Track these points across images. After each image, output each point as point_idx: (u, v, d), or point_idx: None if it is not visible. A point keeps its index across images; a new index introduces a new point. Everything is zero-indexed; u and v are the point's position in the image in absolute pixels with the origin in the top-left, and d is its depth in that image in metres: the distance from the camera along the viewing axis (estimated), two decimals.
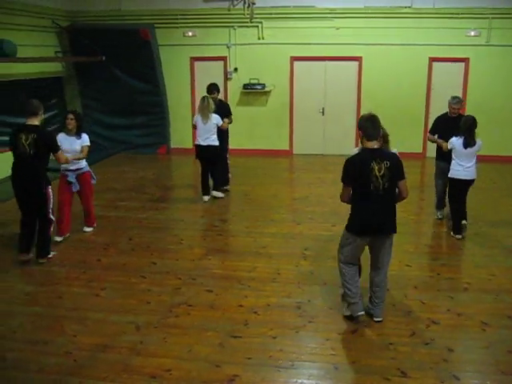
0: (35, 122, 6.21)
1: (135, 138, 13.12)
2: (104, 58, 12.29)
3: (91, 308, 5.22)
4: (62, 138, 6.86)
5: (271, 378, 4.10)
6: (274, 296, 5.46)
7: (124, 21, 12.49)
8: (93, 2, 12.58)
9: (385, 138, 5.03)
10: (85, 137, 7.04)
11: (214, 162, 8.91)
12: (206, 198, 8.95)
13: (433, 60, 12.09)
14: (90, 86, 13.08)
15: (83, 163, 7.13)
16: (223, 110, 9.03)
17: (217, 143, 8.74)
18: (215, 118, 8.63)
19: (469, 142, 6.83)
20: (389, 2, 11.80)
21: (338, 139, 12.63)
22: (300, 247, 6.84)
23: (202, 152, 8.80)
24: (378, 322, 4.90)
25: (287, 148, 13.07)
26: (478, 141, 6.90)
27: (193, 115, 12.90)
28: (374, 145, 4.62)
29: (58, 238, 6.99)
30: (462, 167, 6.94)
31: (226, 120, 9.02)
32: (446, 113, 7.69)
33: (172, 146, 13.32)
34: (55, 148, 6.29)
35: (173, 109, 13.10)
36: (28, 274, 6.09)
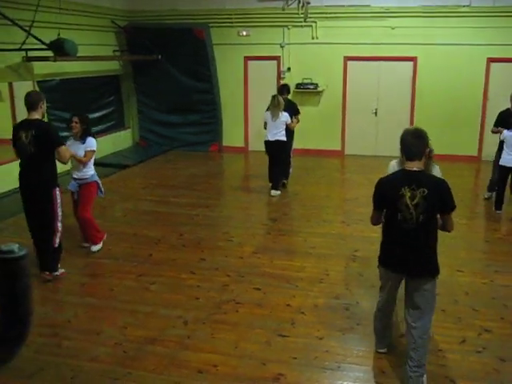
0: (35, 115, 5.49)
1: (188, 136, 13.30)
2: (160, 57, 12.56)
3: (141, 301, 5.34)
4: (68, 143, 6.23)
5: (316, 378, 4.10)
6: (321, 297, 5.44)
7: (180, 20, 12.68)
8: (150, 2, 12.82)
9: (429, 154, 4.12)
10: (90, 141, 6.31)
11: (280, 157, 9.27)
12: (275, 192, 9.27)
13: (491, 61, 11.72)
14: (145, 84, 13.36)
15: (89, 173, 6.39)
16: (291, 110, 9.39)
17: (284, 138, 9.12)
18: (284, 116, 9.03)
19: None
20: (446, 0, 11.52)
21: (391, 140, 12.29)
22: (349, 248, 6.79)
23: (269, 147, 9.19)
24: None
25: (339, 148, 12.96)
26: None
27: (245, 114, 13.10)
28: (414, 166, 3.76)
29: (87, 244, 6.69)
30: (511, 156, 7.81)
31: (295, 120, 9.50)
32: (508, 108, 8.32)
33: (224, 144, 13.44)
34: (58, 141, 5.50)
35: (225, 107, 13.21)
36: (83, 265, 6.29)
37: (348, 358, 4.36)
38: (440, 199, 3.73)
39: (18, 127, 5.55)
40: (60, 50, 9.04)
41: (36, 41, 8.77)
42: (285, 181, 9.74)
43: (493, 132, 8.67)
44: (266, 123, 9.19)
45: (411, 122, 12.05)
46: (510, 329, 4.82)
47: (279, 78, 12.79)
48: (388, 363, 4.27)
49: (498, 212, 8.11)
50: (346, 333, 4.75)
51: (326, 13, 12.07)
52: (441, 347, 4.49)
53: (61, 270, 5.84)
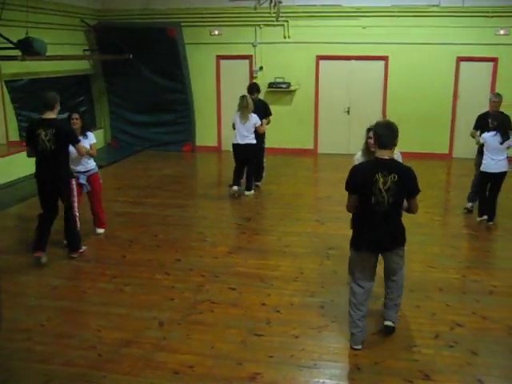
0: (51, 115, 6.03)
1: (161, 136, 13.21)
2: (131, 56, 12.44)
3: (115, 303, 5.29)
4: None
5: (293, 376, 4.11)
6: (296, 295, 5.46)
7: (151, 19, 12.59)
8: (120, 1, 12.70)
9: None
10: (91, 135, 6.86)
11: (250, 161, 8.95)
12: (236, 188, 8.96)
13: (460, 60, 11.91)
14: (116, 84, 13.22)
15: (92, 164, 6.96)
16: (262, 110, 9.06)
17: (255, 141, 8.79)
18: (254, 118, 8.69)
19: (505, 138, 7.18)
20: (416, 0, 11.68)
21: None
22: (324, 247, 6.82)
23: (239, 151, 8.82)
24: (389, 327, 4.61)
25: (312, 147, 13.03)
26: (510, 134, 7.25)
27: (218, 113, 13.06)
28: (385, 155, 4.19)
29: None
30: (494, 161, 7.26)
31: (265, 121, 9.08)
32: (488, 111, 7.95)
33: (197, 143, 13.38)
34: (75, 140, 6.17)
35: (198, 107, 13.16)
36: (55, 268, 6.18)
37: (324, 356, 4.37)
38: (408, 184, 4.20)
39: (36, 125, 6.03)
40: (28, 49, 8.88)
41: (3, 39, 8.60)
42: (258, 183, 9.58)
43: (472, 136, 8.12)
44: (234, 125, 8.86)
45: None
46: (482, 323, 4.91)
47: (252, 77, 12.80)
48: (363, 360, 4.31)
49: (481, 219, 7.57)
50: (321, 330, 4.78)
51: (298, 12, 12.13)
52: (415, 343, 4.54)
53: (84, 247, 6.58)
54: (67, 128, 6.23)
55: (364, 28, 11.99)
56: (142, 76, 12.73)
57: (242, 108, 8.65)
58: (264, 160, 9.70)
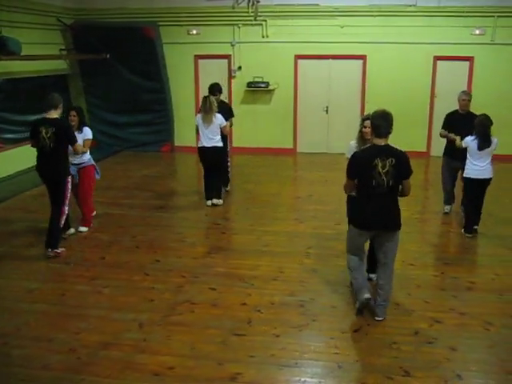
0: (54, 115, 6.39)
1: (139, 136, 13.12)
2: (108, 56, 12.31)
3: (94, 305, 5.23)
4: None
5: (274, 376, 4.10)
6: (277, 294, 5.45)
7: (128, 19, 12.49)
8: (97, 0, 12.57)
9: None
10: (86, 130, 7.08)
11: (218, 165, 8.59)
12: (210, 202, 8.56)
13: (437, 59, 12.05)
14: (94, 84, 13.09)
15: (86, 157, 7.15)
16: (224, 112, 8.56)
17: (221, 144, 8.40)
18: (219, 119, 8.23)
19: (483, 144, 6.80)
20: (394, 0, 11.77)
21: (342, 138, 12.54)
22: (303, 245, 6.83)
23: (206, 155, 8.38)
24: (379, 320, 4.90)
25: (291, 146, 13.05)
26: (494, 139, 6.85)
27: (196, 113, 12.97)
28: (382, 142, 4.63)
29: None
30: (477, 167, 6.89)
31: (228, 123, 8.68)
32: (457, 110, 7.75)
33: (176, 143, 13.32)
34: (73, 140, 6.47)
35: (177, 107, 13.10)
36: (32, 271, 6.09)
37: (305, 354, 4.38)
38: (403, 166, 4.62)
39: (39, 123, 6.40)
40: (3, 48, 8.76)
41: None
42: (227, 189, 9.30)
43: (441, 136, 7.94)
44: (197, 128, 8.38)
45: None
46: (460, 319, 4.96)
47: (230, 76, 12.78)
48: (344, 358, 4.32)
49: (468, 235, 7.12)
50: (302, 329, 4.78)
51: (276, 11, 12.14)
52: (395, 340, 4.57)
53: (61, 249, 6.50)
54: (67, 129, 6.47)
55: (342, 27, 12.06)
56: (120, 76, 12.62)
57: (206, 109, 8.16)
58: (228, 164, 9.35)
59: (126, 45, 12.22)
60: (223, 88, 9.30)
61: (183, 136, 13.14)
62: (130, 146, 13.14)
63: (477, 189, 7.04)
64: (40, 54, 10.78)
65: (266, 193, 9.46)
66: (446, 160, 7.87)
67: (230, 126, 8.99)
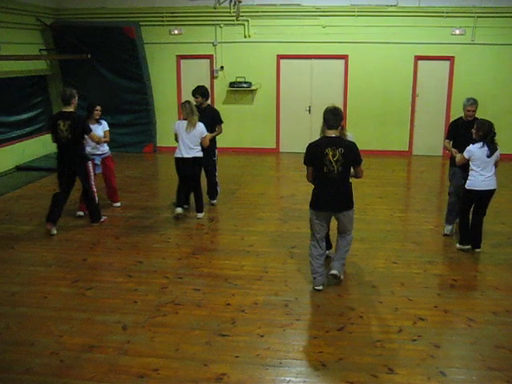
0: (70, 109, 7.12)
1: (121, 137, 12.99)
2: (89, 56, 12.20)
3: (77, 308, 5.18)
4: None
5: (259, 376, 4.10)
6: (261, 294, 5.45)
7: (109, 18, 12.41)
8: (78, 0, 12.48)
9: (342, 127, 5.58)
10: (104, 123, 8.09)
11: (197, 178, 7.86)
12: (180, 209, 7.88)
13: (418, 58, 12.15)
14: (75, 84, 12.82)
15: (107, 148, 8.15)
16: (211, 118, 8.06)
17: (201, 154, 7.73)
18: (201, 127, 7.59)
19: (492, 151, 6.21)
20: (375, 0, 11.85)
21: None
22: (287, 245, 6.84)
23: (185, 166, 7.69)
24: (333, 274, 5.47)
25: (274, 146, 13.07)
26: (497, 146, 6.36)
27: (179, 114, 12.93)
28: (333, 133, 5.24)
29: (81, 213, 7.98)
30: (483, 177, 6.26)
31: (218, 129, 8.18)
32: (461, 117, 7.09)
33: (158, 144, 13.26)
34: (88, 130, 7.18)
35: (159, 107, 13.05)
36: (14, 273, 6.02)
37: (289, 354, 4.38)
38: (352, 155, 5.22)
39: (56, 117, 7.17)
40: None
41: None
42: (214, 201, 8.64)
43: (445, 147, 7.32)
44: (176, 135, 7.71)
45: (344, 119, 12.28)
46: (443, 316, 5.01)
47: (212, 76, 12.76)
48: (328, 356, 4.33)
49: (464, 248, 6.65)
50: (286, 329, 4.79)
51: (258, 11, 12.16)
52: (379, 338, 4.60)
53: (104, 217, 7.72)
54: (82, 121, 7.19)
55: (324, 27, 12.11)
56: (101, 76, 12.53)
57: (188, 115, 7.55)
58: (216, 174, 8.60)
59: (107, 45, 12.14)
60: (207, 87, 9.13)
61: (165, 137, 13.04)
62: (112, 147, 12.96)
63: (479, 201, 6.48)
64: (19, 54, 10.66)
65: (249, 193, 9.46)
66: (454, 170, 7.00)
67: (219, 133, 8.37)
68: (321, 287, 5.48)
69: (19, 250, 6.58)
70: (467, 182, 6.41)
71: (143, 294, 5.47)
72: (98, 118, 7.98)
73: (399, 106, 12.35)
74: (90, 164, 7.39)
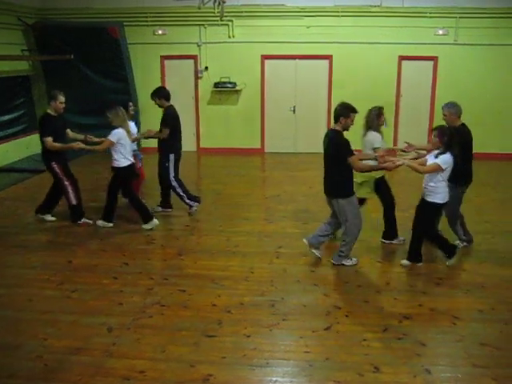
0: (48, 109, 7.32)
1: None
2: (72, 57, 12.10)
3: (62, 310, 5.13)
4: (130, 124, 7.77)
5: (246, 376, 4.10)
6: (247, 295, 5.45)
7: (92, 18, 12.32)
8: None
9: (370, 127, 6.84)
10: (132, 123, 8.04)
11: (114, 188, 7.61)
12: (153, 223, 7.45)
13: (402, 58, 12.24)
14: (58, 85, 12.75)
15: (135, 147, 8.20)
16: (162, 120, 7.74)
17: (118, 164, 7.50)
18: (133, 129, 7.65)
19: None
20: (359, 0, 11.91)
21: (309, 137, 12.68)
22: (273, 245, 6.85)
23: (132, 172, 7.61)
24: (334, 264, 5.99)
25: (259, 146, 13.08)
26: None
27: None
28: (332, 126, 6.04)
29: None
30: (447, 188, 5.86)
31: (165, 131, 7.63)
32: (463, 124, 6.40)
33: (143, 145, 13.17)
34: (41, 133, 7.19)
35: (144, 108, 12.96)
36: None
37: (276, 354, 4.39)
38: (331, 145, 5.85)
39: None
40: None
41: None
42: (190, 211, 8.11)
43: None
44: (121, 144, 7.45)
45: (328, 120, 12.37)
46: (429, 315, 5.04)
47: (197, 77, 12.72)
48: (314, 356, 4.34)
49: (454, 261, 6.21)
50: (272, 329, 4.79)
51: (242, 12, 12.16)
52: (365, 337, 4.62)
53: (83, 220, 7.64)
54: (38, 121, 7.41)
55: (308, 27, 12.15)
56: (84, 77, 12.42)
57: (125, 121, 7.41)
58: (172, 179, 7.90)
59: (90, 45, 12.03)
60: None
61: None
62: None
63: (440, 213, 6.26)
64: (0, 54, 10.54)
65: (235, 193, 9.45)
66: (451, 187, 5.98)
67: (159, 136, 7.80)
68: (306, 242, 6.25)
69: (3, 252, 6.50)
70: (439, 196, 5.79)
71: (129, 295, 5.44)
72: (132, 113, 8.15)
73: (383, 106, 12.38)
74: (55, 164, 7.43)
